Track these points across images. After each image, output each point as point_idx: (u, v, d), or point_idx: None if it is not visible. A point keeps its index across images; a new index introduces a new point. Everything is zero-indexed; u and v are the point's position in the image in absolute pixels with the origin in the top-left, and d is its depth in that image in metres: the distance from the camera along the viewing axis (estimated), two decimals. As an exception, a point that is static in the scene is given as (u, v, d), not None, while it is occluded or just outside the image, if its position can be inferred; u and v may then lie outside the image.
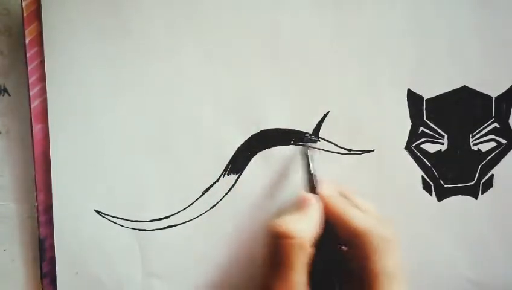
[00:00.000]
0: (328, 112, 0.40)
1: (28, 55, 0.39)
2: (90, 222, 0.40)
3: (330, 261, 0.35)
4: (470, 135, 0.40)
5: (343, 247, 0.36)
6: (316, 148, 0.40)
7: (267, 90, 0.40)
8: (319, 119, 0.40)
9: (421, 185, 0.41)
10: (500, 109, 0.40)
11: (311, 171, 0.38)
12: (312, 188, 0.37)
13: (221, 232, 0.40)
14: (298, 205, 0.36)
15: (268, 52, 0.40)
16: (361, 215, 0.34)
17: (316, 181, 0.37)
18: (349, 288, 0.33)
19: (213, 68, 0.40)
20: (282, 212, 0.37)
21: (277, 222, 0.34)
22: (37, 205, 0.40)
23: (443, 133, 0.40)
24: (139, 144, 0.40)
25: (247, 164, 0.40)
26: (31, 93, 0.39)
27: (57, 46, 0.39)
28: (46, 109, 0.39)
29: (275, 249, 0.33)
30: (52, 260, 0.40)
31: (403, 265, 0.33)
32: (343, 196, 0.37)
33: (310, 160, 0.38)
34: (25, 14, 0.38)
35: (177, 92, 0.40)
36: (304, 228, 0.33)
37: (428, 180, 0.41)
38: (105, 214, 0.40)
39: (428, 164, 0.40)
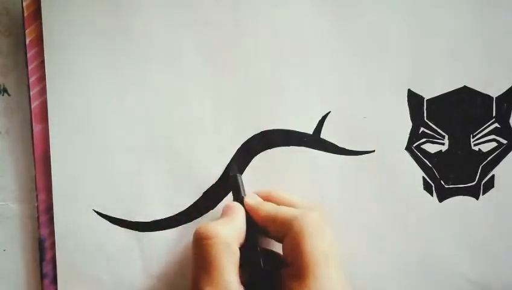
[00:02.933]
0: (329, 112, 0.40)
1: (28, 55, 0.39)
2: (90, 222, 0.40)
3: (263, 260, 0.35)
4: (471, 135, 0.40)
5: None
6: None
7: (267, 90, 0.40)
8: (319, 119, 0.40)
9: (422, 186, 0.40)
10: (500, 109, 0.40)
11: (242, 195, 0.38)
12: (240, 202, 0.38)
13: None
14: (224, 213, 0.37)
15: (268, 52, 0.40)
16: (284, 208, 0.35)
17: (244, 197, 0.38)
18: (288, 277, 0.33)
19: (213, 68, 0.40)
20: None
21: (201, 225, 0.34)
22: (37, 205, 0.40)
23: (444, 134, 0.40)
24: (139, 144, 0.40)
25: (248, 164, 0.40)
26: (31, 93, 0.39)
27: (57, 46, 0.39)
28: (46, 109, 0.39)
29: (200, 251, 0.33)
30: (53, 260, 0.40)
31: (336, 249, 0.34)
32: (270, 199, 0.38)
33: (241, 186, 0.39)
34: (25, 14, 0.39)
35: (177, 92, 0.40)
36: (228, 228, 0.34)
37: (429, 181, 0.40)
38: (106, 215, 0.40)
39: (429, 165, 0.40)
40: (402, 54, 0.40)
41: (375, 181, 0.40)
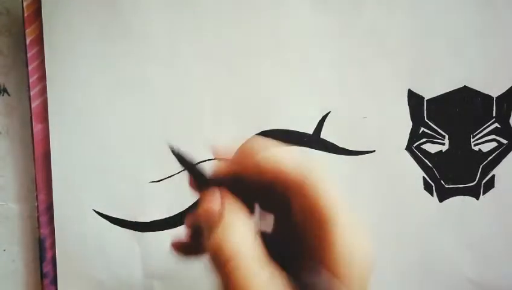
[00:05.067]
0: (329, 112, 0.40)
1: (28, 55, 0.39)
2: (90, 223, 0.40)
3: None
4: (471, 135, 0.40)
5: None
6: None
7: (267, 90, 0.40)
8: (319, 119, 0.40)
9: (422, 186, 0.40)
10: (500, 109, 0.40)
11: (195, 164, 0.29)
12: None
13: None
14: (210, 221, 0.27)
15: (268, 52, 0.40)
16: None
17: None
18: (308, 232, 0.26)
19: (213, 68, 0.40)
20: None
21: (215, 245, 0.25)
22: (37, 205, 0.40)
23: (444, 134, 0.40)
24: (139, 144, 0.40)
25: (248, 164, 0.40)
26: (31, 93, 0.39)
27: (58, 46, 0.39)
28: (46, 109, 0.39)
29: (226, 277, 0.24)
30: (53, 260, 0.40)
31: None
32: None
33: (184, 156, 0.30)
34: (25, 14, 0.39)
35: (177, 92, 0.40)
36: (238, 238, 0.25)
37: (430, 181, 0.40)
38: (106, 215, 0.40)
39: (430, 165, 0.40)
40: (402, 54, 0.40)
41: (376, 181, 0.40)
